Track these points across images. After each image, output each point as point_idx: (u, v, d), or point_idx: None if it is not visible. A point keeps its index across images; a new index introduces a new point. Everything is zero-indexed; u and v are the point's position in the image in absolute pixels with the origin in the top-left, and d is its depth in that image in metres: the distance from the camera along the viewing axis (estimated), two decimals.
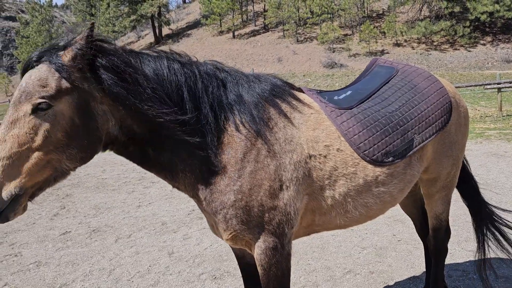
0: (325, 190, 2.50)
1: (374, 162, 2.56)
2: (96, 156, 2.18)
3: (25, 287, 4.75)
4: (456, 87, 20.47)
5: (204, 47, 51.89)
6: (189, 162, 2.29)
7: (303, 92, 2.75)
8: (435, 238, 3.46)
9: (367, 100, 2.78)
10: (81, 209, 7.91)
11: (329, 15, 56.42)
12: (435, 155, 2.94)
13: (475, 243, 4.77)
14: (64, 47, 2.08)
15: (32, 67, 2.05)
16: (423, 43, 50.32)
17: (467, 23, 42.96)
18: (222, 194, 2.28)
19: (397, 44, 50.90)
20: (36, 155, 1.90)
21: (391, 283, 4.16)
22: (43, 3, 60.66)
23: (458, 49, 44.64)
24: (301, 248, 5.20)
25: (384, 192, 2.66)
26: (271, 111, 2.43)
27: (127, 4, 54.44)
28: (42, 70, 2.00)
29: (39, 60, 2.05)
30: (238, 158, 2.27)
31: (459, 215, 5.86)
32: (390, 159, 2.60)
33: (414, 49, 49.84)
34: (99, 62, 2.07)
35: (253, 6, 60.54)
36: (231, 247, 2.80)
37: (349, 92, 2.85)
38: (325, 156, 2.48)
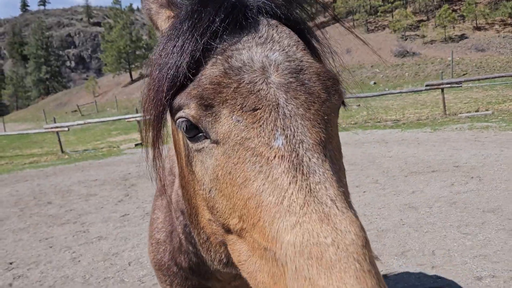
0: None
1: None
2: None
3: (87, 254, 5.95)
4: None
5: None
6: None
7: None
8: None
9: None
10: (141, 196, 9.17)
11: (402, 1, 54.39)
12: None
13: (474, 227, 5.15)
14: None
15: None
16: (510, 25, 46.83)
17: None
18: None
19: (478, 28, 47.85)
20: None
21: (378, 258, 4.68)
22: (124, 8, 65.50)
23: None
24: None
25: None
26: None
27: None
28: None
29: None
30: None
31: (474, 202, 6.12)
32: None
33: (498, 32, 46.56)
34: None
35: None
36: None
37: None
38: None
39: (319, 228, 0.88)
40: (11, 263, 5.91)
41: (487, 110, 18.26)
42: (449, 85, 18.89)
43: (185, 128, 1.13)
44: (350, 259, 0.83)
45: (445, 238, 4.95)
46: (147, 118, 1.30)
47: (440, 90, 19.28)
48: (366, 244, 0.88)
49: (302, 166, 0.98)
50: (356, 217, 0.94)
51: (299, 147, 1.01)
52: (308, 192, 0.94)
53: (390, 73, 40.95)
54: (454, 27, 48.05)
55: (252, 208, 0.99)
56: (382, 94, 22.58)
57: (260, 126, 1.03)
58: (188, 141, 1.17)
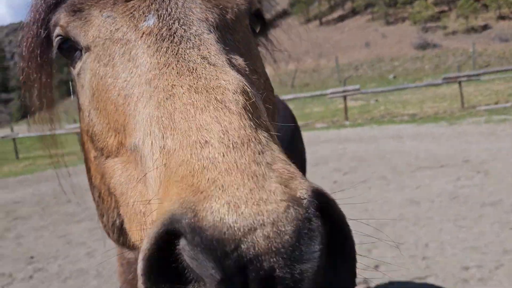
0: None
1: None
2: None
3: (100, 248, 6.30)
4: None
5: (290, 37, 52.79)
6: None
7: None
8: None
9: None
10: None
11: None
12: None
13: (470, 221, 5.25)
14: None
15: None
16: None
17: None
18: None
19: (501, 17, 46.67)
20: None
21: (372, 248, 4.84)
22: None
23: None
24: None
25: None
26: None
27: None
28: None
29: None
30: None
31: (475, 196, 6.18)
32: None
33: None
34: None
35: None
36: None
37: None
38: None
39: (175, 80, 0.70)
40: (32, 257, 6.31)
41: (507, 102, 17.94)
42: (466, 78, 18.63)
43: (57, 46, 1.05)
44: (211, 100, 0.64)
45: (440, 231, 5.06)
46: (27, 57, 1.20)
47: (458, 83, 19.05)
48: (243, 93, 0.67)
49: (174, 37, 0.79)
50: (243, 78, 0.73)
51: (174, 23, 0.83)
52: (173, 55, 0.75)
53: (409, 66, 40.37)
54: (476, 17, 46.97)
55: (121, 107, 0.82)
56: (398, 89, 22.42)
57: (131, 13, 0.88)
58: (71, 69, 1.09)
